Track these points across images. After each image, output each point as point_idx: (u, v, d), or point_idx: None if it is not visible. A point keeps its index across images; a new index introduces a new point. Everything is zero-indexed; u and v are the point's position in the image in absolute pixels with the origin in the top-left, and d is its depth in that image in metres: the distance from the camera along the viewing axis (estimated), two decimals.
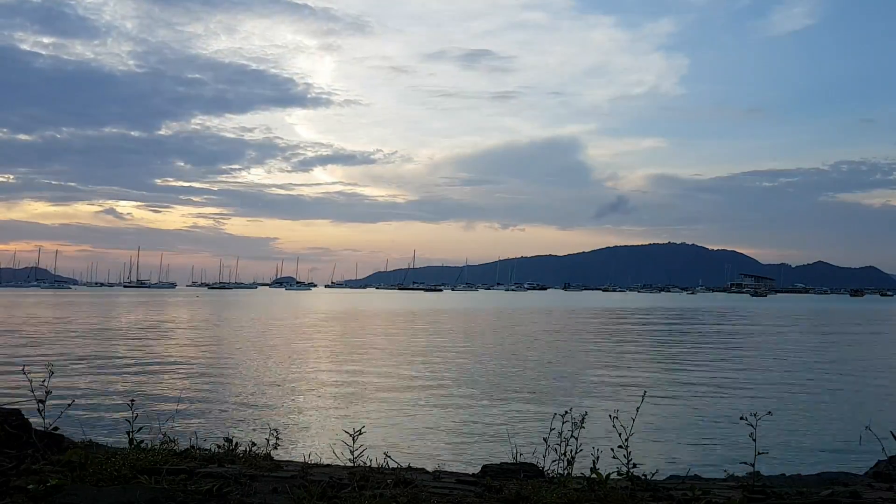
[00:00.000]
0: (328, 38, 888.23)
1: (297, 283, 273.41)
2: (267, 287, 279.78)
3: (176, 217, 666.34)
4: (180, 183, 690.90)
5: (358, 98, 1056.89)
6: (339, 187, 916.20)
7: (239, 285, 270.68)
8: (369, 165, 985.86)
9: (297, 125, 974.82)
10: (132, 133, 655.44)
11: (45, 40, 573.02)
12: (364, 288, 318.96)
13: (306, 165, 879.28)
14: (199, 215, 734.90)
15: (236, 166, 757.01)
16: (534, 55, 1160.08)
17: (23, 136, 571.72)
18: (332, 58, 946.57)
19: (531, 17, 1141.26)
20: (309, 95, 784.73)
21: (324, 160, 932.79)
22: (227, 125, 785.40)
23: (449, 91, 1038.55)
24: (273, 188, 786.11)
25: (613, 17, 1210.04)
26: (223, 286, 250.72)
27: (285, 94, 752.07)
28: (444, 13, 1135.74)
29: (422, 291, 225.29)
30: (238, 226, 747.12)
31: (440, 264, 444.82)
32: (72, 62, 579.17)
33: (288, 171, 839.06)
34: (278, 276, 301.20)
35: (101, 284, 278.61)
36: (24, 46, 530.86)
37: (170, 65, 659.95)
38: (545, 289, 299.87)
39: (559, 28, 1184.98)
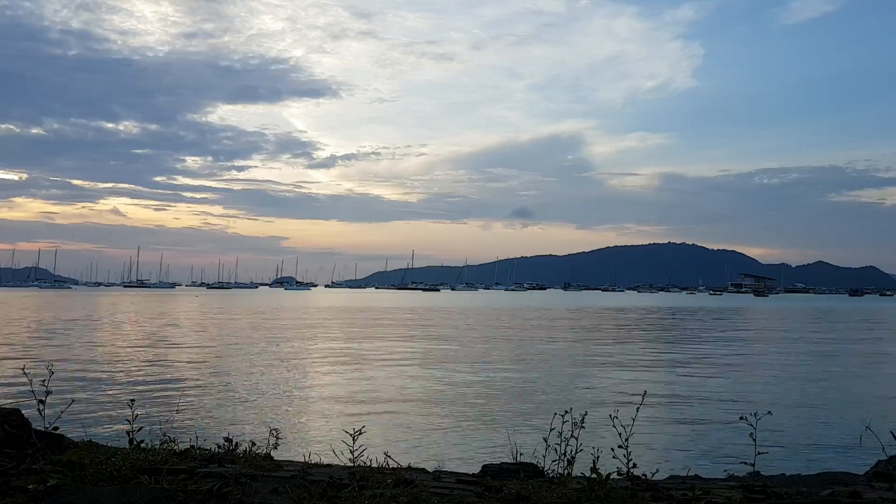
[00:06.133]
0: (364, 23, 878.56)
1: (297, 283, 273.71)
2: (267, 287, 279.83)
3: (183, 216, 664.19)
4: (188, 181, 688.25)
5: (381, 89, 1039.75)
6: (351, 185, 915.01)
7: (238, 285, 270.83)
8: (381, 163, 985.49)
9: (314, 119, 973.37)
10: (150, 126, 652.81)
11: (75, 26, 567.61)
12: (363, 288, 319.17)
13: (321, 163, 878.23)
14: (208, 214, 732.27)
15: (250, 163, 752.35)
16: (549, 46, 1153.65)
17: (35, 130, 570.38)
18: (352, 47, 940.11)
19: (549, 5, 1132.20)
20: (342, 89, 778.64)
21: (345, 158, 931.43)
22: (247, 119, 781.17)
23: (485, 84, 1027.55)
24: (285, 186, 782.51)
25: (635, 6, 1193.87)
26: (223, 286, 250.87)
27: (308, 86, 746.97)
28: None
29: (420, 291, 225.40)
30: (247, 225, 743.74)
31: (440, 264, 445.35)
32: (99, 51, 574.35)
33: (303, 168, 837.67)
34: (279, 276, 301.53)
35: (101, 284, 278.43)
36: (53, 35, 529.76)
37: (201, 55, 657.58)
38: (545, 289, 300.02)
39: (578, 17, 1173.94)
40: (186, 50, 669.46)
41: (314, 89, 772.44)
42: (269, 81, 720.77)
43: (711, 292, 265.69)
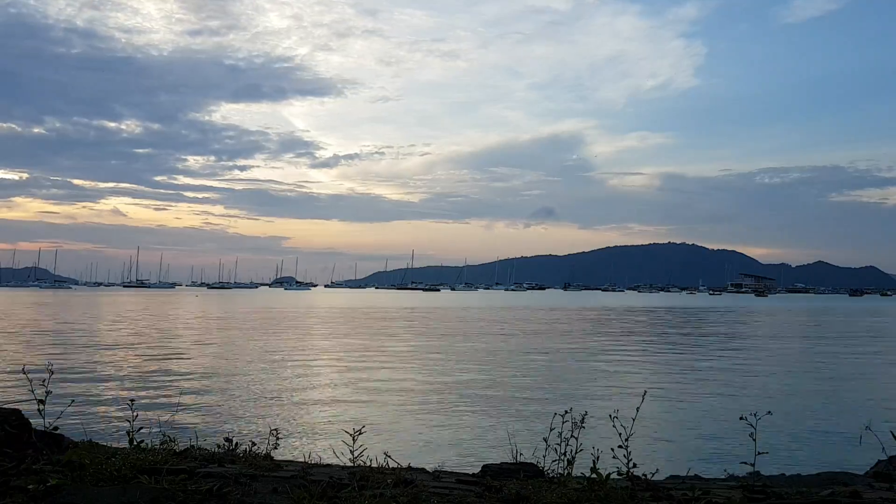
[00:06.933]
0: (371, 20, 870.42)
1: (297, 283, 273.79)
2: (267, 287, 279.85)
3: (184, 215, 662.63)
4: (189, 180, 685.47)
5: (386, 88, 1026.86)
6: (353, 185, 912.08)
7: (238, 285, 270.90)
8: (383, 163, 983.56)
9: (316, 119, 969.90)
10: (152, 126, 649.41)
11: (79, 24, 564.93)
12: (363, 288, 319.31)
13: (324, 163, 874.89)
14: (209, 213, 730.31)
15: (252, 163, 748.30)
16: (552, 45, 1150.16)
17: (36, 129, 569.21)
18: (357, 45, 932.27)
19: (554, 3, 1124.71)
20: (346, 88, 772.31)
21: (347, 158, 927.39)
22: (250, 119, 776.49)
23: (486, 83, 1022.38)
24: (286, 186, 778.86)
25: (638, 4, 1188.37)
26: (223, 286, 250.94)
27: (312, 84, 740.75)
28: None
29: (420, 291, 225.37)
30: (248, 225, 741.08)
31: (440, 264, 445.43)
32: (102, 50, 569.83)
33: (305, 168, 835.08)
34: (278, 276, 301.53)
35: (101, 284, 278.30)
36: (56, 33, 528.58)
37: (205, 53, 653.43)
38: (544, 289, 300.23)
39: (581, 16, 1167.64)
40: (191, 48, 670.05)
41: (318, 88, 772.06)
42: (273, 80, 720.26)
43: (711, 292, 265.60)
